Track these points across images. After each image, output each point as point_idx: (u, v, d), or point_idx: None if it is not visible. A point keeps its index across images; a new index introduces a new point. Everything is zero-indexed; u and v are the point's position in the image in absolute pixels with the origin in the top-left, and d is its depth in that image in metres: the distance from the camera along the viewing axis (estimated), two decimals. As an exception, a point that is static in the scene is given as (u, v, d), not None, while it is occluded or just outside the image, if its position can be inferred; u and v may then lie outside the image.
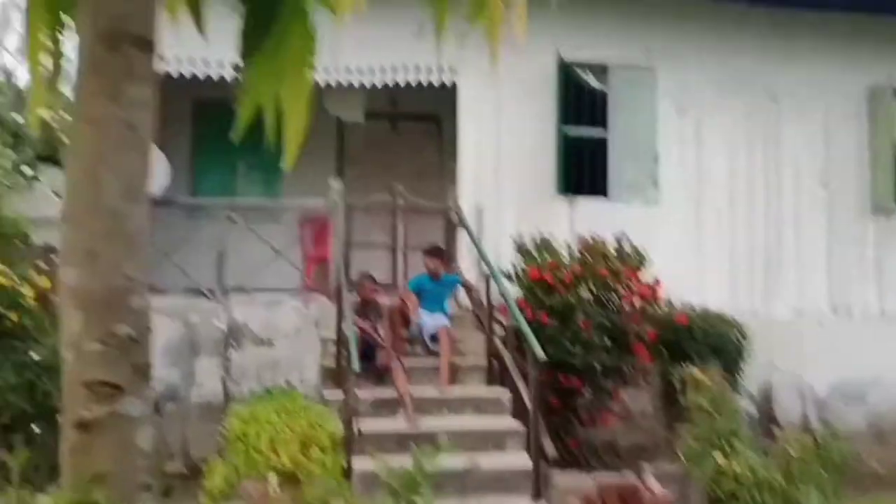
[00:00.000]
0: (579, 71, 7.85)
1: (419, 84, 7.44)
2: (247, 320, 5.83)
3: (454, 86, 7.59)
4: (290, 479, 4.87)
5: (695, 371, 6.52)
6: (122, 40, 1.33)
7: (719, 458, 5.27)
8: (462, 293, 7.23)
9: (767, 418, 7.75)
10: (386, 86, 7.43)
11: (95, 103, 1.32)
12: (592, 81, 7.90)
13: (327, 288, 6.62)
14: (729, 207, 8.19)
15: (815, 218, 8.36)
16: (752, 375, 7.58)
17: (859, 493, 6.70)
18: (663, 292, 7.02)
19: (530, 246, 6.89)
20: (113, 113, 1.30)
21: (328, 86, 7.08)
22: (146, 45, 1.41)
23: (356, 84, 7.14)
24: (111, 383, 1.30)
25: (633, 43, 7.99)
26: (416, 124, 9.25)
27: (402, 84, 7.43)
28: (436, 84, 7.49)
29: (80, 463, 1.32)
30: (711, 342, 7.07)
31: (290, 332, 5.85)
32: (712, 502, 5.34)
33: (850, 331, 8.23)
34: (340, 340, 5.99)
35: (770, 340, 7.72)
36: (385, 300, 6.48)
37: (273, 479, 4.77)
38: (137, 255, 1.42)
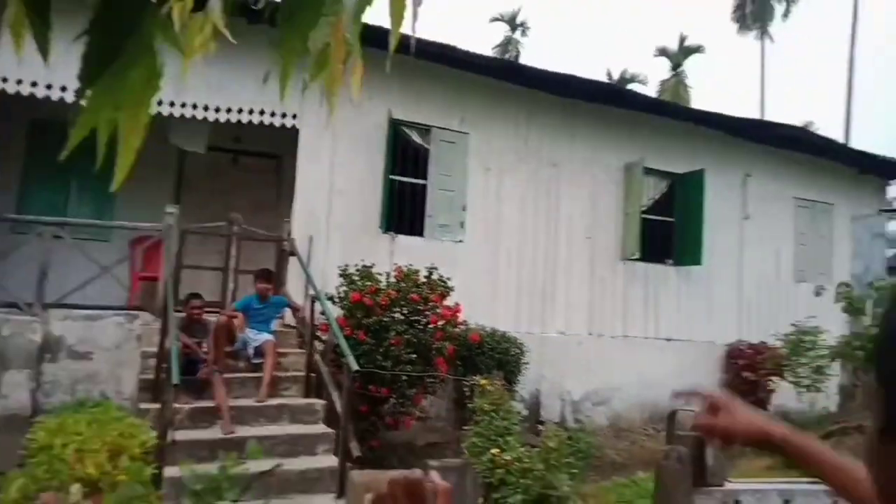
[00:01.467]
0: (406, 129, 7.48)
1: (262, 124, 6.65)
2: (64, 334, 4.72)
3: (295, 129, 6.88)
4: (95, 488, 3.91)
5: (481, 380, 6.31)
6: None
7: (495, 451, 5.10)
8: (289, 314, 6.48)
9: (535, 418, 7.72)
10: (230, 123, 6.56)
11: None
12: (417, 139, 7.55)
13: (153, 306, 5.61)
14: (517, 249, 8.17)
15: (580, 261, 8.54)
16: (527, 383, 7.53)
17: (602, 476, 6.79)
18: (462, 315, 6.75)
19: (354, 274, 6.32)
20: None
21: (172, 116, 6.11)
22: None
23: (199, 118, 6.22)
24: None
25: (453, 111, 7.79)
26: (258, 160, 8.43)
27: (245, 122, 6.60)
28: (277, 125, 6.73)
29: None
30: (497, 357, 6.97)
31: (111, 346, 4.84)
32: (486, 488, 5.13)
33: (601, 350, 8.47)
34: (160, 355, 5.03)
35: (542, 356, 7.73)
36: (212, 318, 5.59)
37: (76, 489, 3.78)
38: None
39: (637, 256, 8.74)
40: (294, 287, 6.63)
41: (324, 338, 6.08)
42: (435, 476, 0.78)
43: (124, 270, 6.21)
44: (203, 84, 5.99)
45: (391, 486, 0.78)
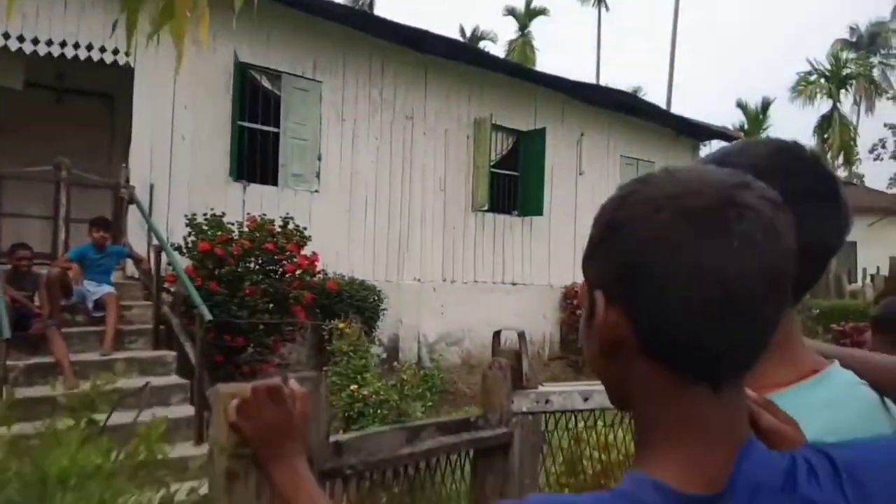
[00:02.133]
0: (255, 73, 7.28)
1: (90, 60, 6.12)
2: None
3: (129, 66, 6.42)
4: None
5: (339, 324, 6.63)
6: None
7: (353, 387, 5.50)
8: (130, 265, 6.20)
9: (394, 359, 8.18)
10: (51, 57, 5.96)
11: None
12: (267, 84, 7.39)
13: (-33, 257, 5.10)
14: (374, 199, 8.43)
15: (435, 212, 9.02)
16: (385, 328, 7.94)
17: (455, 407, 7.44)
18: (320, 264, 6.92)
19: (203, 223, 6.19)
20: None
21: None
22: None
23: (13, 49, 5.60)
24: None
25: (305, 58, 7.72)
26: (86, 100, 7.69)
27: (70, 58, 6.04)
28: (108, 63, 6.24)
29: None
30: (356, 304, 7.26)
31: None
32: (346, 420, 5.52)
33: (454, 295, 9.09)
34: (-16, 310, 4.64)
35: (399, 302, 8.15)
36: (42, 270, 5.21)
37: None
38: None
39: (486, 208, 9.42)
40: (135, 237, 6.32)
41: (172, 289, 5.94)
42: (293, 383, 0.90)
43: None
44: (20, 12, 5.34)
45: (254, 391, 0.88)
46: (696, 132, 12.88)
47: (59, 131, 7.06)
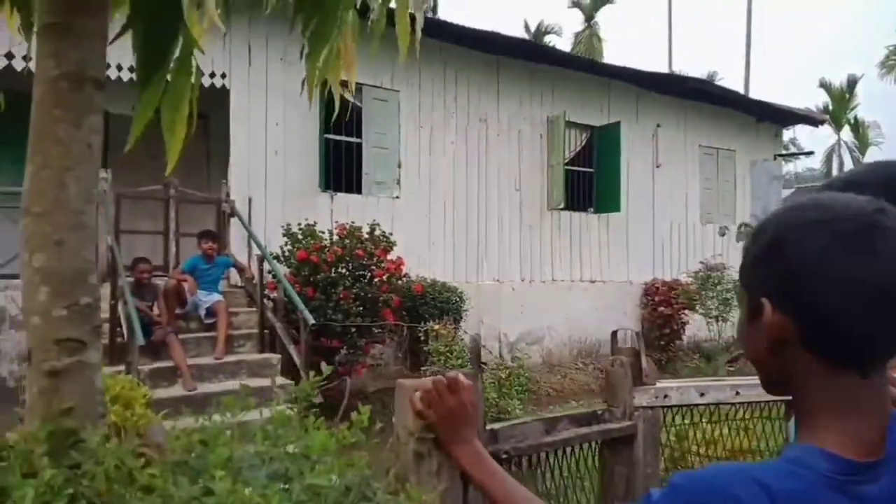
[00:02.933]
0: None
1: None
2: (6, 304, 4.75)
3: (223, 88, 6.91)
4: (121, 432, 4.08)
5: (434, 325, 6.81)
6: (84, 81, 1.52)
7: None
8: (234, 274, 6.67)
9: (478, 360, 8.34)
10: (160, 84, 6.49)
11: (61, 128, 1.49)
12: (349, 97, 7.70)
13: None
14: (452, 203, 8.65)
15: (510, 212, 9.14)
16: (467, 328, 8.11)
17: (540, 407, 7.52)
18: (405, 268, 7.17)
19: (298, 232, 6.58)
20: (76, 136, 1.50)
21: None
22: (100, 85, 1.59)
23: (125, 79, 6.15)
24: (77, 339, 1.43)
25: (383, 69, 7.99)
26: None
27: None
28: (206, 85, 6.74)
29: (50, 402, 1.40)
30: (439, 305, 7.44)
31: (60, 314, 4.87)
32: None
33: (532, 294, 9.17)
34: (113, 319, 5.15)
35: (479, 302, 8.32)
36: (159, 281, 5.72)
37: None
38: (92, 243, 1.55)
39: (562, 206, 9.45)
40: (236, 248, 6.79)
41: (272, 295, 6.33)
42: (461, 377, 1.07)
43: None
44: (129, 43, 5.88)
45: (435, 384, 1.04)
46: (779, 117, 12.38)
47: (161, 150, 7.65)
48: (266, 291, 6.30)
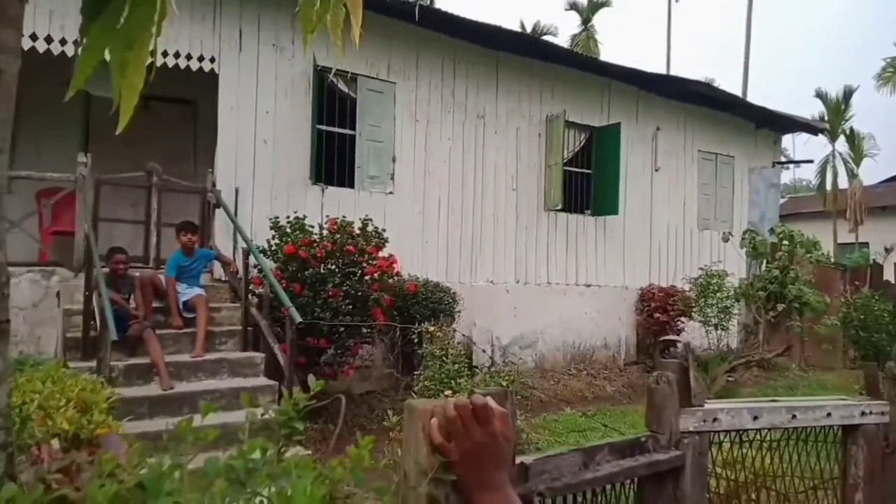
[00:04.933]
0: (332, 77, 7.37)
1: (177, 67, 6.35)
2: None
3: (212, 73, 6.63)
4: (74, 442, 3.82)
5: (430, 326, 6.56)
6: None
7: (447, 393, 5.35)
8: (218, 267, 6.39)
9: (469, 363, 8.12)
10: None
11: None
12: (343, 87, 7.48)
13: (70, 261, 5.35)
14: (447, 201, 8.42)
15: (507, 212, 8.92)
16: (460, 331, 7.88)
17: (532, 414, 7.32)
18: (397, 266, 6.93)
19: (286, 226, 6.31)
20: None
21: (77, 56, 5.69)
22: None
23: (107, 59, 5.86)
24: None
25: (379, 59, 7.75)
26: (171, 106, 7.95)
27: (159, 65, 6.27)
28: (194, 69, 6.46)
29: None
30: (432, 306, 7.23)
31: (27, 304, 4.60)
32: None
33: (527, 297, 8.96)
34: (87, 312, 4.87)
35: (472, 303, 8.10)
36: (136, 273, 5.43)
37: (55, 442, 3.69)
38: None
39: (559, 207, 9.25)
40: (221, 240, 6.52)
41: (258, 291, 6.07)
42: (491, 401, 0.82)
43: (32, 225, 5.82)
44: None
45: (459, 409, 0.81)
46: (778, 124, 12.27)
47: (146, 137, 7.35)
48: (251, 287, 6.04)
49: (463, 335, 5.98)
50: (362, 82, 7.67)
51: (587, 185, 9.92)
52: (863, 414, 1.89)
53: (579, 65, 9.69)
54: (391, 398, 6.77)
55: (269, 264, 6.07)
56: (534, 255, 9.20)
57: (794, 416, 1.70)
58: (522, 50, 8.91)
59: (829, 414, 1.82)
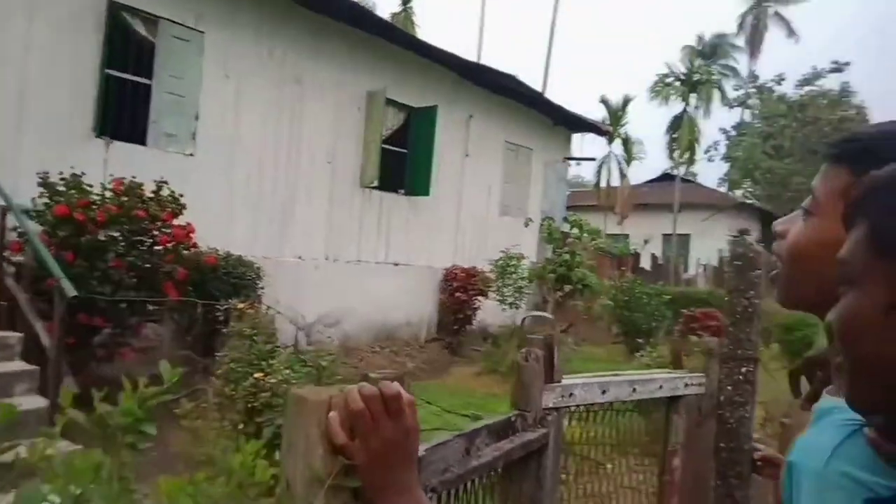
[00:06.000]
0: (128, 16, 6.47)
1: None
2: None
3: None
4: None
5: (240, 304, 6.18)
6: None
7: (258, 375, 5.10)
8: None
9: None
10: None
11: None
12: (141, 30, 6.60)
13: None
14: (256, 168, 7.95)
15: (321, 186, 8.74)
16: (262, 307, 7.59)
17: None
18: (195, 237, 6.41)
19: (58, 183, 5.45)
20: None
21: None
22: None
23: None
24: None
25: (188, 4, 6.95)
26: None
27: None
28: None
29: None
30: (233, 281, 6.87)
31: None
32: (250, 412, 5.17)
33: (336, 274, 8.94)
34: None
35: (278, 280, 7.84)
36: None
37: None
38: None
39: (375, 185, 9.32)
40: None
41: (16, 259, 5.19)
42: (397, 387, 0.72)
43: None
44: None
45: (368, 400, 0.69)
46: (571, 123, 13.72)
47: None
48: (7, 253, 5.13)
49: (279, 312, 5.79)
50: (166, 27, 6.84)
51: (402, 164, 10.12)
52: (686, 385, 2.16)
53: (404, 43, 9.76)
54: (185, 383, 6.32)
55: (34, 227, 5.21)
56: (346, 231, 9.17)
57: (634, 390, 1.89)
58: (349, 19, 8.69)
59: (661, 386, 2.05)
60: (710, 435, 2.23)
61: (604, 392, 1.81)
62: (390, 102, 9.53)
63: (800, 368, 1.18)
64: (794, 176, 24.22)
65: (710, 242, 25.46)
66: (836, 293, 0.62)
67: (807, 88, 28.71)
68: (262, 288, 7.40)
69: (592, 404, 1.82)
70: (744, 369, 2.18)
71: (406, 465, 0.71)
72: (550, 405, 1.59)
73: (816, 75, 30.30)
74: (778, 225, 0.87)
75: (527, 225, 10.61)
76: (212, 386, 4.54)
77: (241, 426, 3.98)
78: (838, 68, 28.70)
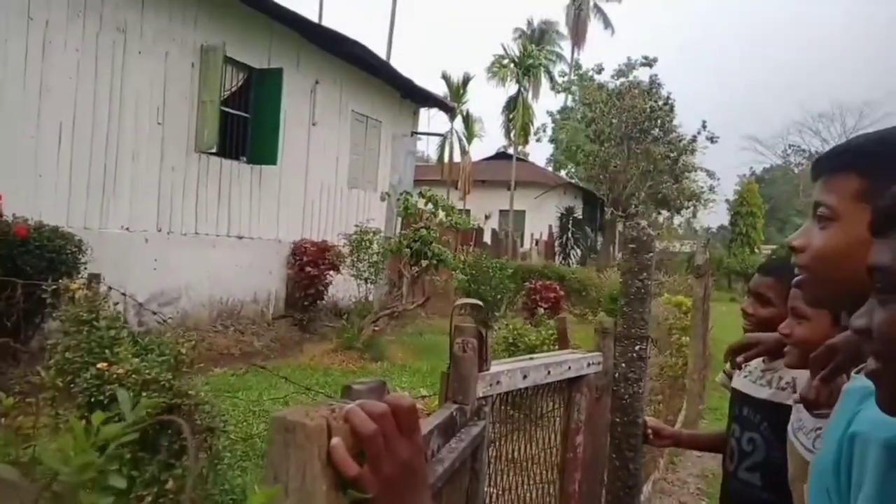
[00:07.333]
0: None
1: None
2: None
3: None
4: None
5: (72, 285, 5.40)
6: None
7: (102, 365, 4.51)
8: None
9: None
10: None
11: None
12: None
13: None
14: (70, 126, 7.03)
15: (150, 149, 7.97)
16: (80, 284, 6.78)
17: (175, 378, 6.85)
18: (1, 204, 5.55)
19: None
20: None
21: None
22: None
23: None
24: None
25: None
26: None
27: None
28: None
29: None
30: (49, 256, 6.04)
31: None
32: (92, 407, 4.57)
33: (171, 248, 8.28)
34: None
35: (102, 254, 7.04)
36: None
37: None
38: None
39: (213, 150, 8.69)
40: None
41: None
42: (412, 400, 0.63)
43: None
44: None
45: (380, 420, 0.58)
46: (419, 97, 13.92)
47: None
48: None
49: (123, 293, 5.21)
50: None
51: (245, 129, 9.55)
52: (588, 365, 2.26)
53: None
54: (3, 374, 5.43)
55: None
56: (181, 200, 8.46)
57: (549, 372, 1.91)
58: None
59: (569, 367, 2.10)
60: (606, 410, 2.41)
61: (525, 377, 1.80)
62: (229, 61, 8.91)
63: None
64: (612, 159, 26.91)
65: (541, 218, 27.57)
66: (861, 290, 0.67)
67: (622, 79, 31.94)
68: (84, 263, 6.60)
69: (518, 390, 1.82)
70: (637, 347, 2.37)
71: (422, 486, 0.62)
72: (481, 394, 1.54)
73: (630, 67, 33.87)
74: (795, 241, 0.94)
75: (383, 199, 10.62)
76: (41, 378, 3.98)
77: (83, 423, 3.55)
78: (648, 63, 32.30)
